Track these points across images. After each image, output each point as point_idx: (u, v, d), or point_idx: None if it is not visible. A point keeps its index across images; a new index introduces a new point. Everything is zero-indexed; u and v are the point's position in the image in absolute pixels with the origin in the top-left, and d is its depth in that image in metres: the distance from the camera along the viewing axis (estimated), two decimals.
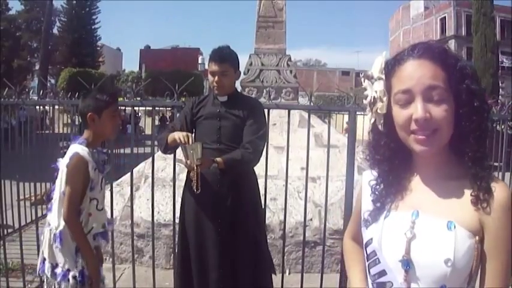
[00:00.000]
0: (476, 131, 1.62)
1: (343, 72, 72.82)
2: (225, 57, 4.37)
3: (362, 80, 1.80)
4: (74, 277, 3.48)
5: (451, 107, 1.61)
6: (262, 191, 4.66)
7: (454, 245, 1.55)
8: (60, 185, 3.56)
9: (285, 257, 5.45)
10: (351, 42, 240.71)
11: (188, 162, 3.96)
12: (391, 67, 1.70)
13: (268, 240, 4.85)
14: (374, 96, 1.72)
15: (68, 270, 3.51)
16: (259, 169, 4.54)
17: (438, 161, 1.70)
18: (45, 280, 3.69)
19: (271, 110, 4.81)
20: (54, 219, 3.57)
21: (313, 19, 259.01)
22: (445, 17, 56.51)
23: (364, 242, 1.84)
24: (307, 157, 4.83)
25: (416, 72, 1.61)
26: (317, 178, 7.11)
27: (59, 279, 3.52)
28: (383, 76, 1.71)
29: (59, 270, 3.53)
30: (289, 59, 9.75)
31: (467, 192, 1.63)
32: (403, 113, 1.63)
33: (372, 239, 1.77)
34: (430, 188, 1.71)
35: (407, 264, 1.62)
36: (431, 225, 1.62)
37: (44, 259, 3.65)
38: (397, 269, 1.65)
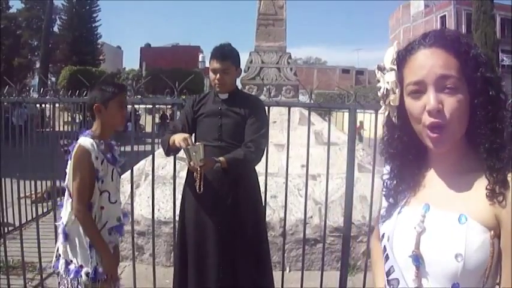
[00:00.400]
0: (493, 121, 1.53)
1: (344, 70, 72.60)
2: (226, 54, 4.37)
3: (376, 72, 1.74)
4: (87, 274, 3.45)
5: (465, 97, 1.53)
6: (262, 189, 4.66)
7: (465, 239, 1.47)
8: (67, 178, 3.56)
9: (285, 255, 5.46)
10: (351, 40, 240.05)
11: (191, 163, 3.95)
12: (402, 57, 1.65)
13: (268, 238, 4.85)
14: (386, 88, 1.67)
15: (81, 266, 3.48)
16: (259, 167, 4.54)
17: (454, 155, 1.63)
18: (59, 277, 3.66)
19: (271, 108, 4.82)
20: (64, 215, 3.58)
21: (313, 17, 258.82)
22: (445, 15, 56.47)
23: (380, 238, 1.80)
24: (308, 155, 4.84)
25: (427, 62, 1.55)
26: (317, 176, 7.12)
27: (71, 276, 3.50)
28: (395, 67, 1.66)
29: (72, 267, 3.52)
30: (290, 57, 9.76)
31: (483, 186, 1.52)
32: (416, 105, 1.57)
33: (384, 234, 1.73)
34: (444, 181, 1.64)
35: (417, 259, 1.55)
36: (442, 218, 1.55)
37: (59, 255, 3.63)
38: (408, 266, 1.59)
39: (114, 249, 3.71)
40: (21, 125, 6.75)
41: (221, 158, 4.05)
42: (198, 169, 3.96)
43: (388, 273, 1.72)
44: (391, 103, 1.67)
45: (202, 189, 4.06)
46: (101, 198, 3.55)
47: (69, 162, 3.57)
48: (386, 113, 1.72)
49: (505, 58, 50.25)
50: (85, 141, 3.52)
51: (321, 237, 5.91)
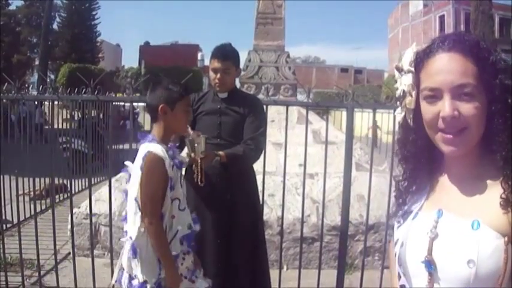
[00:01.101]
0: (509, 128, 1.50)
1: (342, 69, 72.64)
2: (227, 54, 4.40)
3: (395, 72, 1.72)
4: None
5: (482, 103, 1.50)
6: (260, 187, 4.68)
7: (478, 246, 1.43)
8: (133, 190, 3.36)
9: (283, 253, 5.46)
10: (349, 39, 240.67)
11: (193, 155, 3.97)
12: (420, 60, 1.61)
13: (266, 236, 4.87)
14: (404, 90, 1.65)
15: (145, 282, 3.28)
16: (257, 165, 4.56)
17: (468, 161, 1.59)
18: None
19: (269, 107, 4.85)
20: (131, 229, 3.34)
21: (312, 16, 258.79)
22: (444, 15, 56.48)
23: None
24: (305, 153, 4.85)
25: (445, 67, 1.52)
26: (315, 174, 7.13)
27: None
28: (412, 69, 1.63)
29: (135, 282, 3.31)
30: (288, 56, 9.77)
31: (497, 193, 1.49)
32: (430, 110, 1.55)
33: (397, 240, 1.70)
34: (458, 187, 1.61)
35: (430, 265, 1.52)
36: (455, 224, 1.52)
37: (123, 269, 3.45)
38: (420, 272, 1.56)
39: (194, 257, 3.55)
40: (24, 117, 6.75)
41: (221, 152, 4.08)
42: (199, 161, 3.97)
43: (398, 278, 1.72)
44: (407, 105, 1.65)
45: (203, 181, 4.04)
46: (172, 206, 3.35)
47: (135, 173, 3.35)
48: (403, 114, 1.70)
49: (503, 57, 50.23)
50: (156, 148, 3.28)
51: (318, 236, 5.91)
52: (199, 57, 44.96)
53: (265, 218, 5.52)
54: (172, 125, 3.45)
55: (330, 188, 6.48)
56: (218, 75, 4.34)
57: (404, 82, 1.65)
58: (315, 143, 7.67)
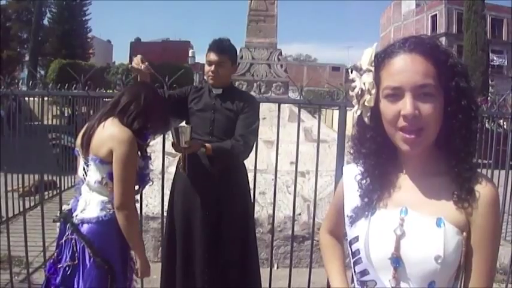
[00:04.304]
0: (462, 129, 1.60)
1: (334, 67, 72.70)
2: (224, 48, 4.36)
3: (350, 71, 1.76)
4: None
5: (440, 104, 1.58)
6: (251, 185, 4.66)
7: (444, 242, 1.55)
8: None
9: (273, 252, 5.45)
10: (341, 38, 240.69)
11: (176, 143, 3.97)
12: (381, 59, 1.67)
13: (256, 235, 4.84)
14: (362, 89, 1.68)
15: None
16: (248, 163, 4.54)
17: (425, 158, 1.68)
18: None
19: (261, 104, 4.81)
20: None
21: (304, 14, 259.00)
22: (436, 14, 56.67)
23: (348, 240, 1.81)
24: (297, 151, 4.83)
25: (408, 67, 1.58)
26: (306, 173, 7.13)
27: None
28: (372, 68, 1.67)
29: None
30: (280, 54, 9.79)
31: (452, 190, 1.63)
32: (391, 108, 1.60)
33: (357, 237, 1.74)
34: (418, 184, 1.69)
35: (397, 261, 1.60)
36: (421, 222, 1.61)
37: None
38: (386, 267, 1.64)
39: None
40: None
41: (207, 144, 4.05)
42: (183, 151, 4.01)
43: (362, 274, 1.75)
44: (366, 103, 1.69)
45: (187, 171, 4.12)
46: None
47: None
48: (359, 112, 1.74)
49: (495, 58, 50.51)
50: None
51: (309, 234, 5.91)
52: (190, 54, 45.00)
53: (256, 216, 5.50)
54: None
55: (321, 187, 6.47)
56: (212, 68, 4.30)
57: (364, 81, 1.68)
58: (306, 141, 7.68)
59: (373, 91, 1.66)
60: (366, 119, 1.72)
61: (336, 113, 5.26)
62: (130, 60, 4.37)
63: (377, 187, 1.77)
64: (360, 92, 1.70)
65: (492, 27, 52.23)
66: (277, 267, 6.33)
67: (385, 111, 1.63)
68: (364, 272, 1.73)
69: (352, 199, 1.84)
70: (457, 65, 1.62)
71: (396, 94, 1.59)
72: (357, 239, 1.74)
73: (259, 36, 9.83)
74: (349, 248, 1.80)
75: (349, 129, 5.18)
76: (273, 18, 9.92)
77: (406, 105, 1.55)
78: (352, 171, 1.89)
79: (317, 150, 4.83)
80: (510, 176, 5.17)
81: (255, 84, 8.49)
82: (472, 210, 1.59)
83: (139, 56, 4.06)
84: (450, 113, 1.60)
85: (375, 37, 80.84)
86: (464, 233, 1.59)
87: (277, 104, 5.04)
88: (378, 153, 1.75)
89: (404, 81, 1.57)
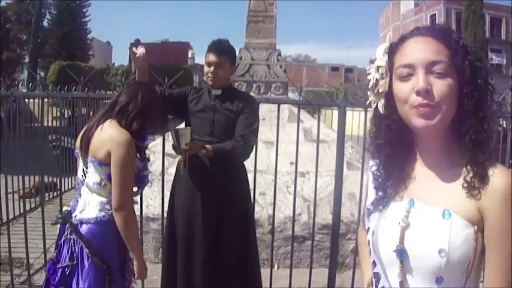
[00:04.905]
0: (479, 111, 1.54)
1: (333, 67, 72.50)
2: (223, 49, 4.37)
3: (367, 67, 1.74)
4: None
5: (455, 83, 1.54)
6: (251, 186, 4.66)
7: (449, 235, 1.48)
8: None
9: (274, 252, 5.46)
10: (340, 38, 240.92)
11: (177, 145, 3.98)
12: (394, 47, 1.67)
13: (256, 235, 4.85)
14: (376, 78, 1.67)
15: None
16: (248, 164, 4.55)
17: (439, 146, 1.63)
18: None
19: (260, 105, 4.81)
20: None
21: (303, 15, 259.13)
22: (435, 14, 56.57)
23: (366, 231, 1.80)
24: (297, 152, 4.83)
25: (419, 46, 1.58)
26: (306, 173, 7.13)
27: None
28: (386, 56, 1.67)
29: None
30: (279, 54, 9.77)
31: (464, 178, 1.55)
32: (404, 86, 1.58)
33: (369, 228, 1.74)
34: (429, 176, 1.65)
35: (401, 254, 1.56)
36: (426, 214, 1.56)
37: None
38: (392, 260, 1.60)
39: None
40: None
41: (208, 146, 4.07)
42: (183, 152, 4.03)
43: (372, 266, 1.75)
44: (380, 89, 1.67)
45: (187, 173, 4.13)
46: None
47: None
48: (374, 105, 1.72)
49: (494, 57, 50.49)
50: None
51: (309, 235, 5.92)
52: (189, 55, 44.91)
53: (256, 216, 5.51)
54: None
55: (321, 187, 6.48)
56: (212, 69, 4.31)
57: (377, 65, 1.68)
58: (306, 142, 7.67)
59: (387, 75, 1.65)
60: (380, 107, 1.70)
61: (336, 113, 5.26)
62: (130, 62, 4.40)
63: (392, 179, 1.74)
64: (374, 82, 1.69)
65: (491, 26, 52.17)
66: (278, 268, 6.34)
67: (398, 91, 1.61)
68: (373, 264, 1.74)
69: (371, 193, 1.83)
70: (469, 46, 1.60)
71: (409, 73, 1.57)
72: (368, 230, 1.75)
73: (258, 37, 9.82)
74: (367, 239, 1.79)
75: (349, 130, 5.20)
76: (272, 19, 9.91)
77: (418, 80, 1.53)
78: (370, 167, 1.88)
79: (317, 151, 4.83)
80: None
81: (254, 85, 8.49)
82: (483, 201, 1.50)
83: (143, 48, 4.09)
84: (466, 95, 1.55)
85: (374, 37, 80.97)
86: (476, 227, 1.49)
87: (276, 105, 5.04)
88: (392, 143, 1.72)
89: (415, 57, 1.56)
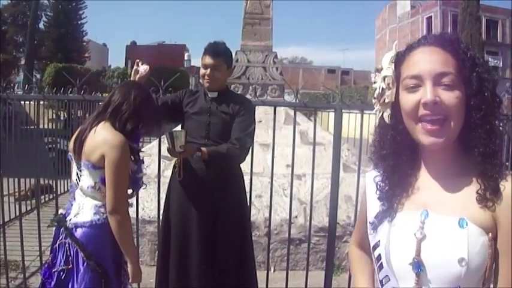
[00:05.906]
0: (487, 123, 1.53)
1: (329, 70, 72.56)
2: (219, 51, 4.37)
3: (373, 76, 1.74)
4: None
5: (463, 95, 1.53)
6: (247, 188, 4.66)
7: (468, 243, 1.47)
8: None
9: (270, 255, 5.45)
10: (337, 40, 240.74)
11: (172, 148, 3.98)
12: (401, 56, 1.65)
13: (253, 238, 4.84)
14: (382, 87, 1.66)
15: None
16: (244, 166, 4.54)
17: (446, 157, 1.62)
18: None
19: (257, 107, 4.81)
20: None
21: (299, 17, 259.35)
22: (431, 16, 56.72)
23: (371, 246, 1.76)
24: (293, 154, 4.83)
25: (427, 57, 1.56)
26: (302, 175, 7.12)
27: None
28: (392, 65, 1.65)
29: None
30: (276, 56, 9.76)
31: (476, 189, 1.54)
32: (411, 98, 1.56)
33: (379, 241, 1.69)
34: (439, 185, 1.63)
35: (418, 266, 1.53)
36: (442, 224, 1.54)
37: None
38: (407, 273, 1.56)
39: None
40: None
41: (203, 148, 4.07)
42: (178, 155, 4.05)
43: (382, 283, 1.70)
44: (386, 99, 1.66)
45: (182, 176, 4.13)
46: None
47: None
48: (380, 114, 1.71)
49: (490, 59, 50.60)
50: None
51: (305, 237, 5.90)
52: (186, 57, 44.88)
53: (252, 219, 5.49)
54: None
55: (317, 189, 6.47)
56: (208, 71, 4.31)
57: (384, 74, 1.66)
58: (302, 144, 7.66)
59: (393, 85, 1.64)
60: (386, 117, 1.68)
61: (332, 115, 5.26)
62: (126, 64, 4.40)
63: (397, 189, 1.71)
64: (380, 91, 1.68)
65: (487, 28, 52.25)
66: (274, 270, 6.32)
67: (405, 103, 1.59)
68: (386, 279, 1.68)
69: (374, 205, 1.78)
70: (478, 58, 1.58)
71: (416, 85, 1.55)
72: (378, 243, 1.70)
73: (254, 39, 9.81)
74: (372, 254, 1.75)
75: (345, 132, 5.21)
76: (268, 21, 9.90)
77: (426, 92, 1.52)
78: (373, 176, 1.84)
79: (313, 153, 4.83)
80: None
81: (250, 87, 8.47)
82: (497, 210, 1.51)
83: (146, 66, 4.11)
84: (474, 107, 1.54)
85: (371, 39, 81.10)
86: (490, 234, 1.50)
87: (272, 107, 5.04)
88: (397, 154, 1.70)
89: (423, 68, 1.54)
